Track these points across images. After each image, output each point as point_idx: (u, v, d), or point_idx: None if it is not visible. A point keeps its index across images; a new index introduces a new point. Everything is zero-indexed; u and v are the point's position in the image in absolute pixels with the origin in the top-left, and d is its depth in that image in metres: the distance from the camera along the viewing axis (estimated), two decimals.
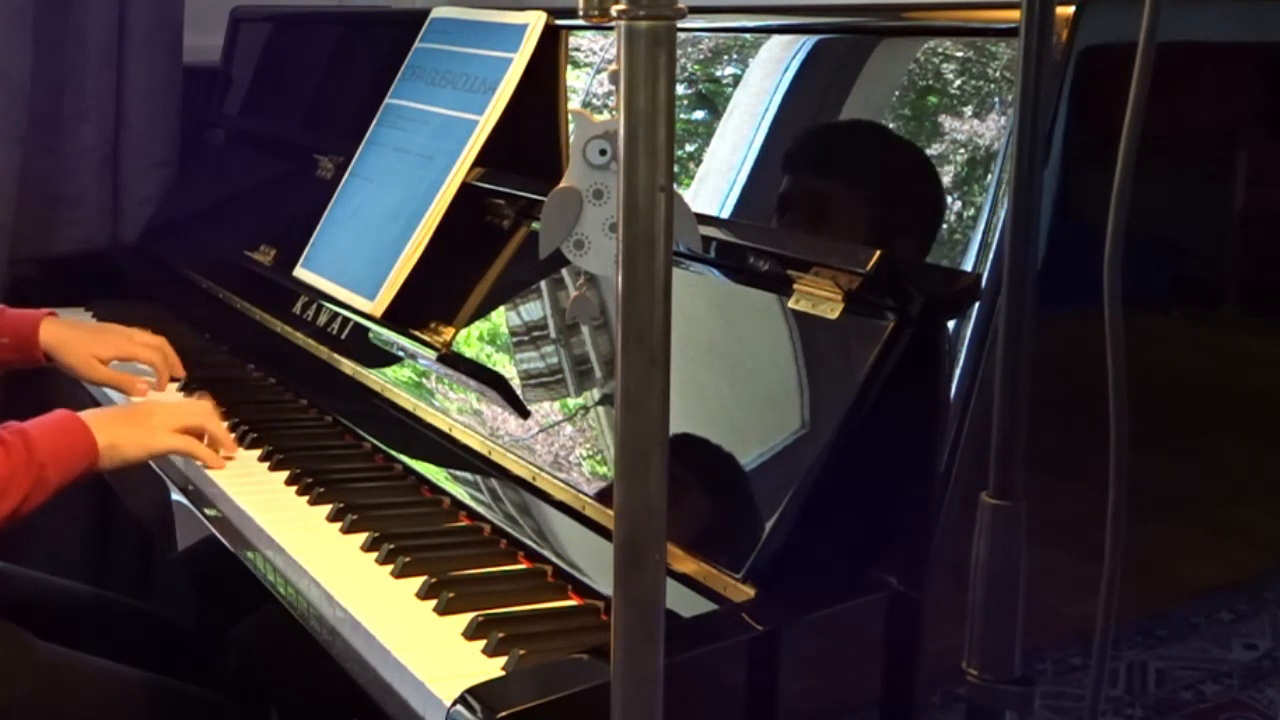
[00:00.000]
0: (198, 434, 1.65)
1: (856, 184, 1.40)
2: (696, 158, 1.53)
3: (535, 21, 1.87)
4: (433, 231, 1.84)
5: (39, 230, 2.64)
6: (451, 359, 1.64)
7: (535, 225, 1.57)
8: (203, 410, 1.69)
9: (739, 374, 1.33)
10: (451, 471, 1.57)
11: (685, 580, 1.21)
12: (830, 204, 1.42)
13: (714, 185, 1.49)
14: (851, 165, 1.42)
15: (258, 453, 1.68)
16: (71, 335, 1.95)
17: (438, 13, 2.11)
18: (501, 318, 1.67)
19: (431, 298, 1.79)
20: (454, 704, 1.08)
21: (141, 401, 1.83)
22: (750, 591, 1.17)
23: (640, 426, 0.86)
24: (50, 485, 1.51)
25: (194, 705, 1.68)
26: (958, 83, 1.28)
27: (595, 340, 1.50)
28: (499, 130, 1.85)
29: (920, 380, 1.19)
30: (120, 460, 1.60)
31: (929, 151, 1.28)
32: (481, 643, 1.20)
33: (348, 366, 1.89)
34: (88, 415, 1.59)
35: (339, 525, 1.47)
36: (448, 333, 1.73)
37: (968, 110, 1.26)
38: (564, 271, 1.61)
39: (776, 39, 1.50)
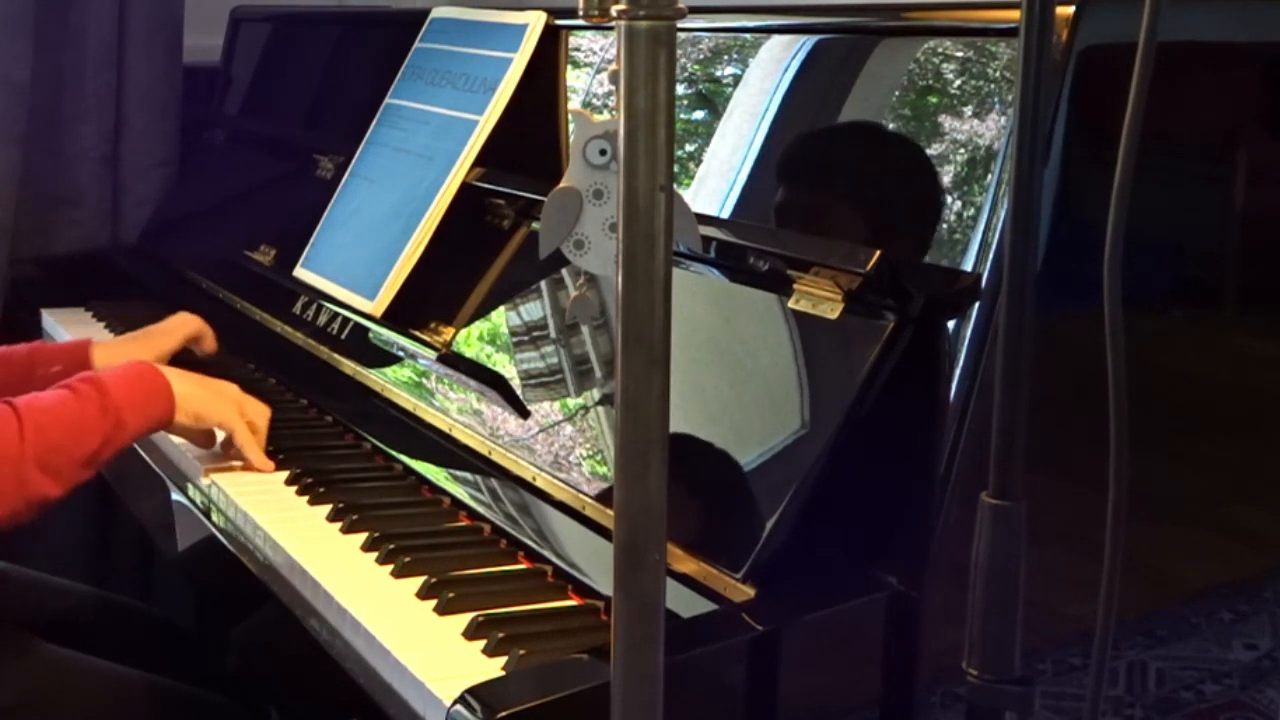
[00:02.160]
0: (254, 427, 1.65)
1: (858, 184, 1.40)
2: (696, 158, 1.53)
3: (535, 21, 1.87)
4: (433, 231, 1.84)
5: (39, 230, 2.64)
6: (451, 359, 1.64)
7: (535, 225, 1.58)
8: (265, 413, 1.68)
9: (739, 374, 1.33)
10: (451, 471, 1.57)
11: (685, 580, 1.21)
12: (831, 204, 1.42)
13: (714, 185, 1.49)
14: (853, 165, 1.42)
15: None
16: (120, 348, 1.94)
17: (438, 13, 2.11)
18: (501, 318, 1.67)
19: (431, 298, 1.79)
20: (454, 704, 1.08)
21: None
22: (750, 591, 1.16)
23: (640, 426, 0.86)
24: (129, 430, 1.51)
25: (194, 705, 1.67)
26: (958, 83, 1.28)
27: (595, 340, 1.50)
28: (499, 130, 1.85)
29: (920, 380, 1.19)
30: (193, 415, 1.60)
31: (929, 151, 1.28)
32: (481, 643, 1.20)
33: (348, 366, 1.89)
34: (165, 369, 1.60)
35: (339, 525, 1.47)
36: (448, 333, 1.73)
37: (968, 110, 1.26)
38: (564, 271, 1.61)
39: (776, 39, 1.50)
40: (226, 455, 1.66)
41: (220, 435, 1.67)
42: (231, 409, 1.63)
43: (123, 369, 1.57)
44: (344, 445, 1.73)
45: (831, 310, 1.26)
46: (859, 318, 1.23)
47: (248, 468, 1.63)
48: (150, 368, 1.58)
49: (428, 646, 1.21)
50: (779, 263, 1.34)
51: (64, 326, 2.35)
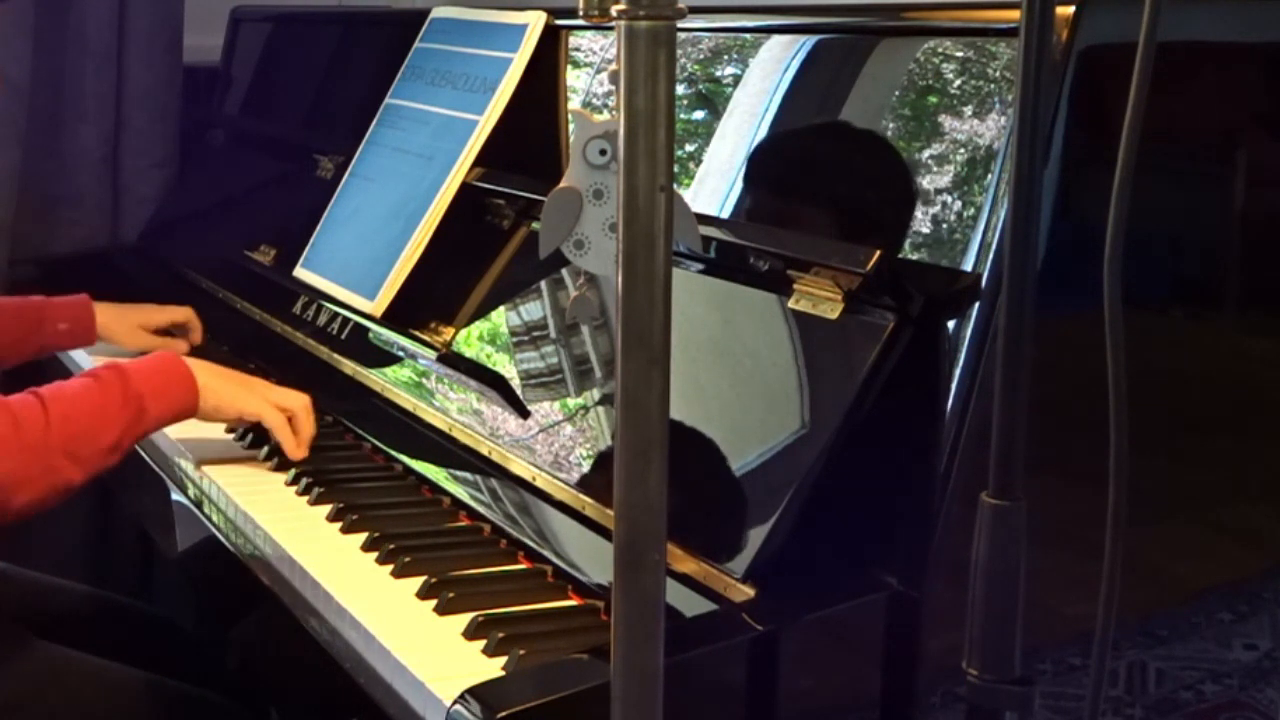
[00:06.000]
0: (288, 415, 1.65)
1: (858, 184, 1.40)
2: (696, 158, 1.53)
3: (535, 21, 1.87)
4: (433, 231, 1.84)
5: (39, 230, 2.64)
6: (451, 359, 1.64)
7: (535, 225, 1.58)
8: (301, 399, 1.68)
9: (739, 374, 1.33)
10: (451, 471, 1.57)
11: (685, 580, 1.21)
12: (831, 203, 1.42)
13: (714, 185, 1.49)
14: (853, 165, 1.42)
15: (258, 453, 1.68)
16: (119, 313, 2.12)
17: (438, 13, 2.11)
18: (501, 318, 1.67)
19: (431, 298, 1.79)
20: (454, 704, 1.08)
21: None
22: (750, 591, 1.17)
23: (640, 426, 0.86)
24: (149, 419, 1.53)
25: (194, 705, 1.67)
26: (958, 83, 1.28)
27: (595, 340, 1.50)
28: (499, 130, 1.85)
29: (920, 380, 1.19)
30: (215, 407, 1.61)
31: (929, 151, 1.28)
32: (481, 643, 1.20)
33: (348, 366, 1.89)
34: (189, 360, 1.62)
35: (339, 525, 1.47)
36: (448, 333, 1.73)
37: (968, 110, 1.26)
38: (564, 271, 1.61)
39: (776, 39, 1.50)
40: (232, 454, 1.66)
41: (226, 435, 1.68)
42: (255, 399, 1.64)
43: (147, 359, 1.59)
44: (344, 445, 1.73)
45: (831, 310, 1.26)
46: (859, 318, 1.23)
47: (245, 464, 1.64)
48: (174, 358, 1.60)
49: (428, 646, 1.21)
50: (779, 263, 1.34)
51: None
